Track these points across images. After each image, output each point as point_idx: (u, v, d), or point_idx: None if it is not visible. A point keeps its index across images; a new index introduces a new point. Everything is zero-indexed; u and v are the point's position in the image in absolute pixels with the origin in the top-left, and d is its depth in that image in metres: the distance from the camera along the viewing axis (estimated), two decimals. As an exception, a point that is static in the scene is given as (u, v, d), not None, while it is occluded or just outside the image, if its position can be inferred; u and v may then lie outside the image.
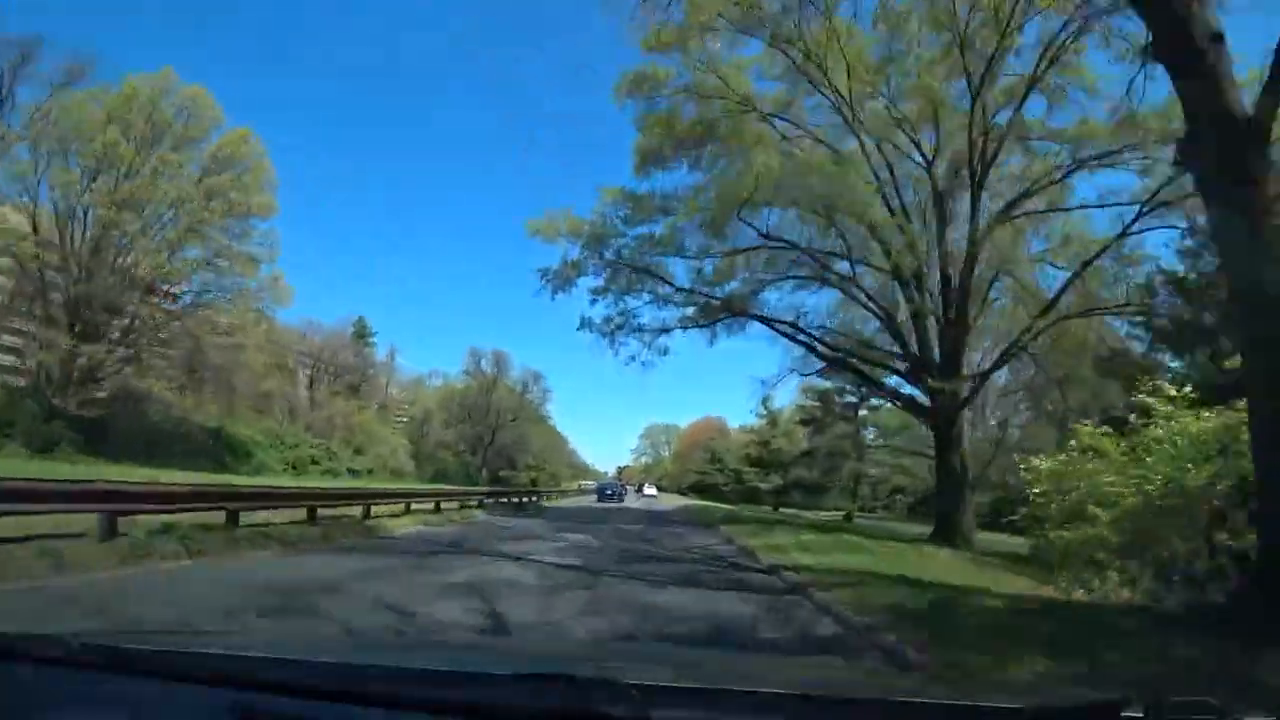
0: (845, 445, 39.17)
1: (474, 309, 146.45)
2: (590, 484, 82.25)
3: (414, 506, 17.44)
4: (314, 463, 60.21)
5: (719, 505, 47.32)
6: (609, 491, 46.33)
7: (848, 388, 41.21)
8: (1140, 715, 1.03)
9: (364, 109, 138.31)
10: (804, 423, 42.99)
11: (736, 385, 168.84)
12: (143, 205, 36.18)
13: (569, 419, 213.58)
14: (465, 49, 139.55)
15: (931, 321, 19.15)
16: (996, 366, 17.84)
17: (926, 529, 34.24)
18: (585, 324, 25.43)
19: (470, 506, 21.68)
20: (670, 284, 22.11)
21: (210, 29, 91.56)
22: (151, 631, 2.72)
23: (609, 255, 21.75)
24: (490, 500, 24.40)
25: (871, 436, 45.94)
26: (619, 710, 1.06)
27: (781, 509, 53.92)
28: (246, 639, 2.44)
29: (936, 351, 18.27)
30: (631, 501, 48.01)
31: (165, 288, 41.12)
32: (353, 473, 62.82)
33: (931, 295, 18.22)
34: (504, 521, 17.84)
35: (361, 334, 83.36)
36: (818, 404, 41.97)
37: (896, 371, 20.44)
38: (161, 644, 1.55)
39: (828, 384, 42.65)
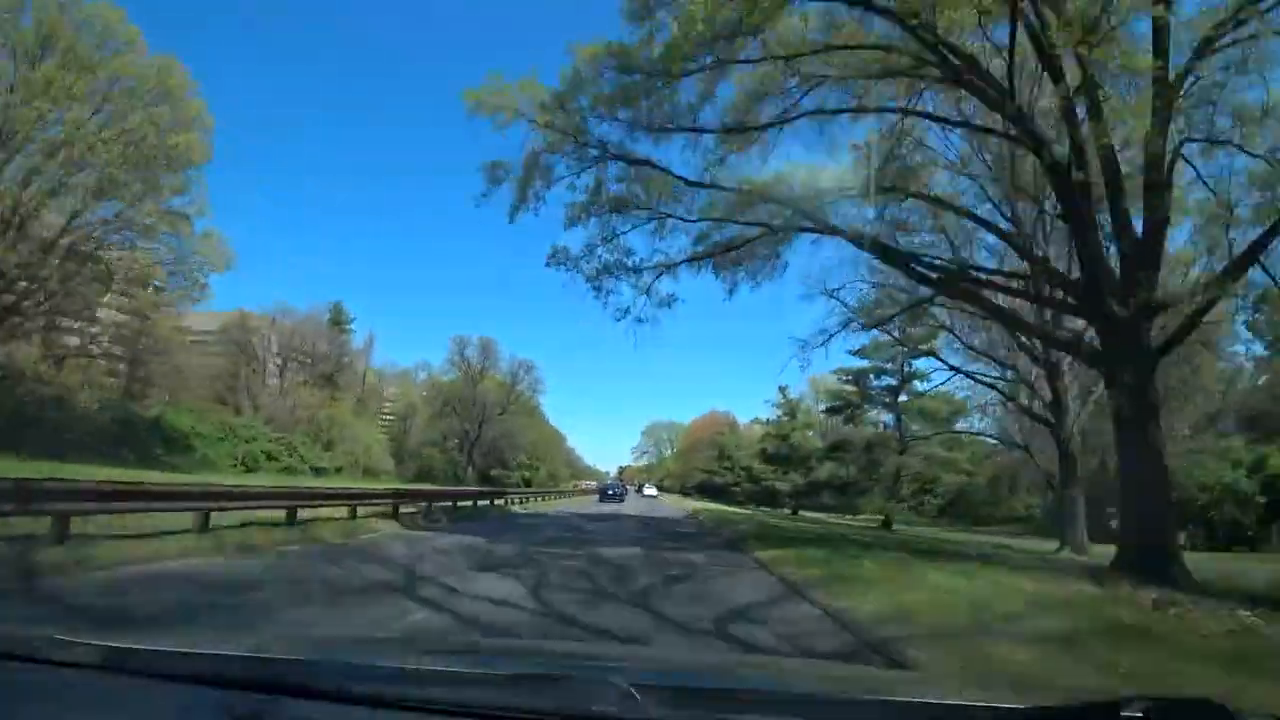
0: (887, 436, 31.95)
1: (467, 307, 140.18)
2: (590, 484, 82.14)
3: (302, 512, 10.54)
4: (270, 459, 53.50)
5: (732, 510, 40.29)
6: (611, 492, 46.05)
7: (887, 366, 34.17)
8: (1140, 715, 0.98)
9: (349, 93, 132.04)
10: (833, 411, 35.80)
11: (746, 381, 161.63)
12: (20, 134, 29.21)
13: (569, 419, 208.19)
14: (454, 33, 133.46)
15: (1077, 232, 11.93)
16: (1237, 272, 10.58)
17: (995, 538, 27.43)
18: (558, 257, 18.39)
19: (388, 514, 14.67)
20: (681, 179, 14.97)
21: (189, 11, 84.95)
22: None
23: (591, 140, 14.64)
24: (423, 504, 17.32)
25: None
26: (619, 710, 1.05)
27: (802, 512, 46.74)
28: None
29: (1115, 268, 11.03)
30: (630, 504, 42.07)
31: (66, 243, 33.91)
32: (317, 471, 56.15)
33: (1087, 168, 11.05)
34: (402, 545, 10.72)
35: (338, 320, 76.54)
36: (852, 386, 34.86)
37: (1047, 301, 13.03)
38: (160, 644, 1.49)
39: (864, 363, 35.68)
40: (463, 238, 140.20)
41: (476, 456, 72.69)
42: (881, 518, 36.02)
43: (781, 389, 49.44)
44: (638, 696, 1.06)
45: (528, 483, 73.50)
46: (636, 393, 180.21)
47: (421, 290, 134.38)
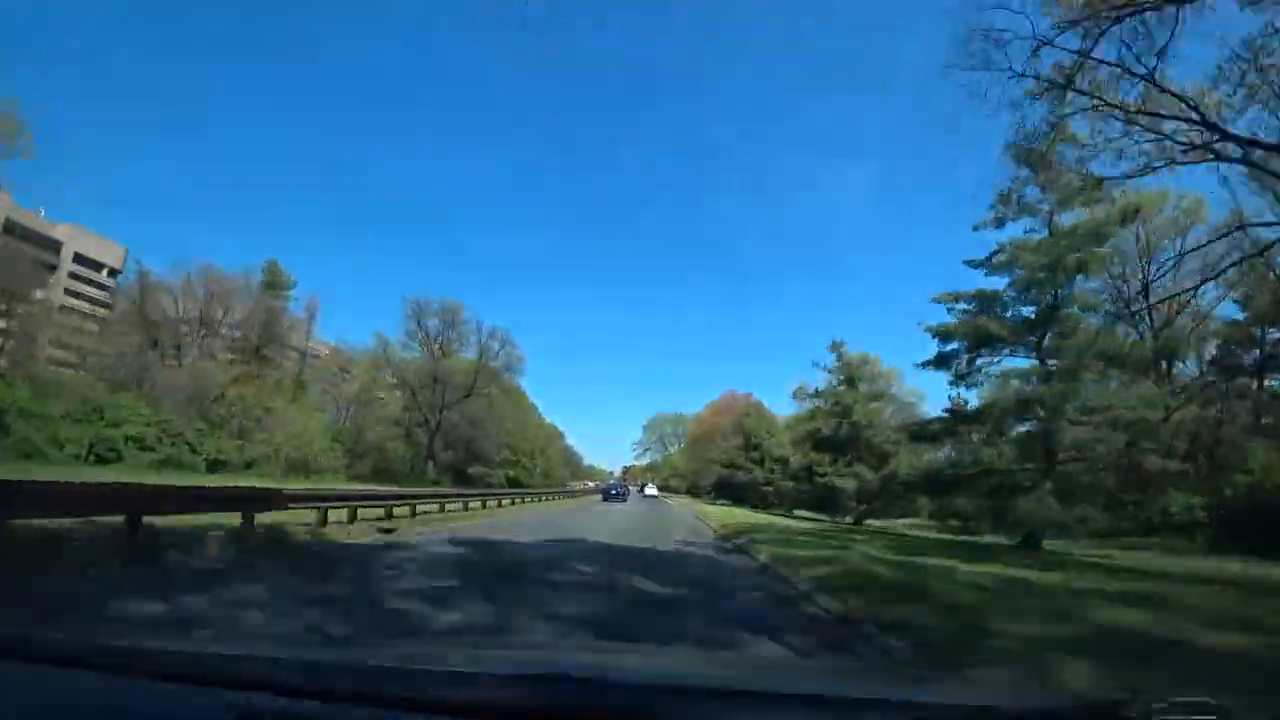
0: (1060, 392, 17.98)
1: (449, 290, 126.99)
2: (589, 484, 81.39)
3: None
4: (144, 447, 39.89)
5: (789, 525, 26.55)
6: (614, 492, 47.77)
7: (1041, 277, 20.18)
8: (1140, 715, 0.99)
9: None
10: (941, 362, 21.91)
11: (762, 365, 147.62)
12: None
13: (569, 418, 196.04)
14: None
15: None
16: None
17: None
18: None
19: None
20: None
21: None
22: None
23: None
24: None
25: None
26: (619, 710, 1.04)
27: (869, 522, 32.78)
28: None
29: None
30: (629, 507, 33.96)
31: None
32: (214, 465, 42.63)
33: None
34: None
35: (274, 283, 62.67)
36: (971, 313, 21.08)
37: None
38: (161, 644, 1.49)
39: (996, 282, 21.80)
40: (449, 216, 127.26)
41: (440, 449, 58.93)
42: (1019, 535, 21.88)
43: (834, 346, 35.51)
44: (638, 696, 1.07)
45: (514, 482, 60.43)
46: (640, 382, 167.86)
47: (400, 278, 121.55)
